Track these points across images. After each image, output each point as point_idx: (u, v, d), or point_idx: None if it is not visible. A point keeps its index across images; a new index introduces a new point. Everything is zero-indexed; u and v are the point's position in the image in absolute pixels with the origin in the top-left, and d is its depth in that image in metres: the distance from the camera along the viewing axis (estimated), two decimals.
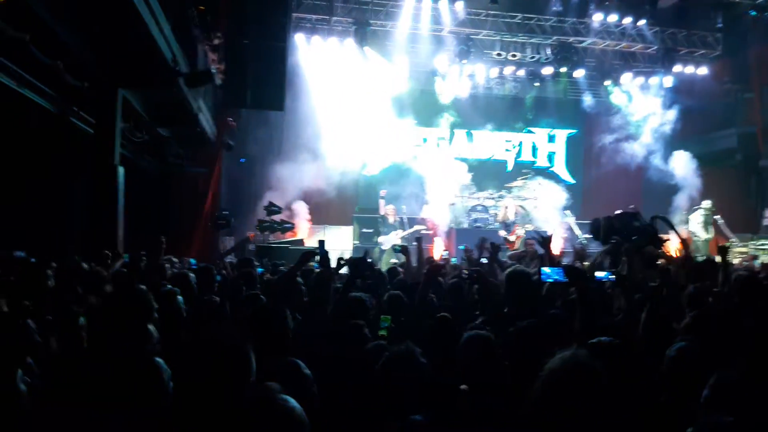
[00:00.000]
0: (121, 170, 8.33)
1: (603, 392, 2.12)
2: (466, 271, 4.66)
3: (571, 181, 18.42)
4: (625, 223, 8.40)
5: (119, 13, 6.27)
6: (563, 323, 3.53)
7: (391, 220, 14.56)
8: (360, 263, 4.58)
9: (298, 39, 15.73)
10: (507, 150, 18.77)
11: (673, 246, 9.09)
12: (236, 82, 11.70)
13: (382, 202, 14.89)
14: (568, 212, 15.37)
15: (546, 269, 3.44)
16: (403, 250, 6.81)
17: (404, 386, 2.44)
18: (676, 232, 9.98)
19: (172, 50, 7.95)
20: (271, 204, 14.06)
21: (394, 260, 11.00)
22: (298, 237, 14.53)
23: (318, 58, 16.04)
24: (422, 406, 2.26)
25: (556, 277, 3.38)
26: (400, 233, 14.28)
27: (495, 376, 2.72)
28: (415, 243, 7.41)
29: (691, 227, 14.31)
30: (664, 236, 8.54)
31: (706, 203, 14.45)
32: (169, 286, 4.26)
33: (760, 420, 2.12)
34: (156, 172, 12.66)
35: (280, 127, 15.01)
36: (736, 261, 12.17)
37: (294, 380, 2.50)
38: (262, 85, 11.61)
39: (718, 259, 5.61)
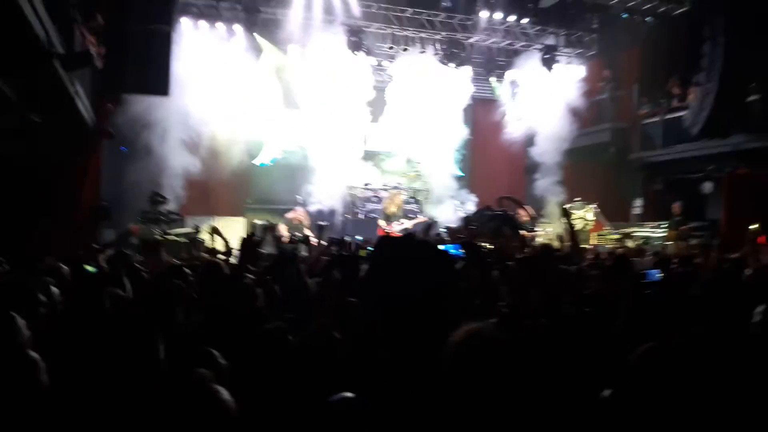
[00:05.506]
0: None
1: (513, 366, 2.10)
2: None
3: (460, 174, 18.91)
4: (479, 215, 11.04)
5: None
6: None
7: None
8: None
9: (185, 24, 15.09)
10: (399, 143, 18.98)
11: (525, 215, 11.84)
12: (117, 65, 11.03)
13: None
14: (458, 203, 15.84)
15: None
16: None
17: (323, 363, 2.37)
18: (522, 206, 12.67)
19: (45, 29, 7.35)
20: (156, 194, 13.37)
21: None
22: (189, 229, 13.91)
23: (205, 43, 15.46)
24: (344, 385, 2.14)
25: (455, 252, 3.40)
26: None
27: None
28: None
29: (574, 219, 15.10)
30: (519, 214, 11.41)
31: (577, 199, 15.11)
32: None
33: None
34: (28, 162, 11.70)
35: (165, 114, 14.29)
36: (608, 246, 13.11)
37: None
38: (146, 69, 11.03)
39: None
